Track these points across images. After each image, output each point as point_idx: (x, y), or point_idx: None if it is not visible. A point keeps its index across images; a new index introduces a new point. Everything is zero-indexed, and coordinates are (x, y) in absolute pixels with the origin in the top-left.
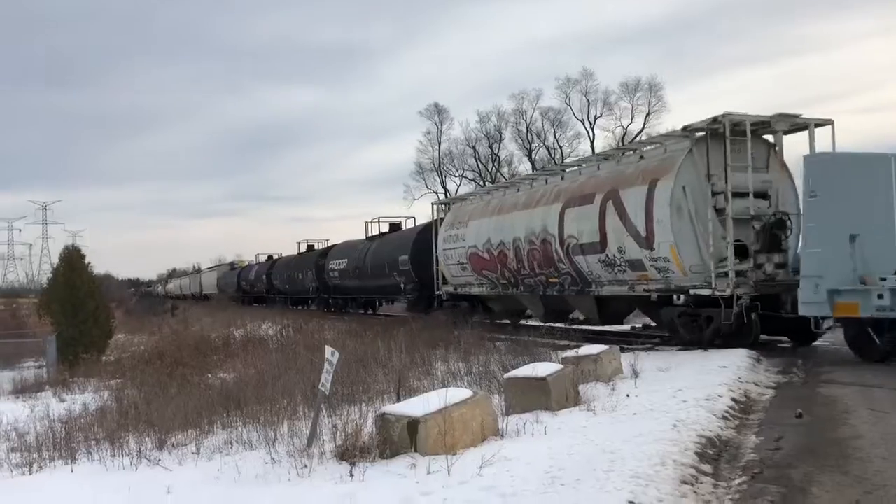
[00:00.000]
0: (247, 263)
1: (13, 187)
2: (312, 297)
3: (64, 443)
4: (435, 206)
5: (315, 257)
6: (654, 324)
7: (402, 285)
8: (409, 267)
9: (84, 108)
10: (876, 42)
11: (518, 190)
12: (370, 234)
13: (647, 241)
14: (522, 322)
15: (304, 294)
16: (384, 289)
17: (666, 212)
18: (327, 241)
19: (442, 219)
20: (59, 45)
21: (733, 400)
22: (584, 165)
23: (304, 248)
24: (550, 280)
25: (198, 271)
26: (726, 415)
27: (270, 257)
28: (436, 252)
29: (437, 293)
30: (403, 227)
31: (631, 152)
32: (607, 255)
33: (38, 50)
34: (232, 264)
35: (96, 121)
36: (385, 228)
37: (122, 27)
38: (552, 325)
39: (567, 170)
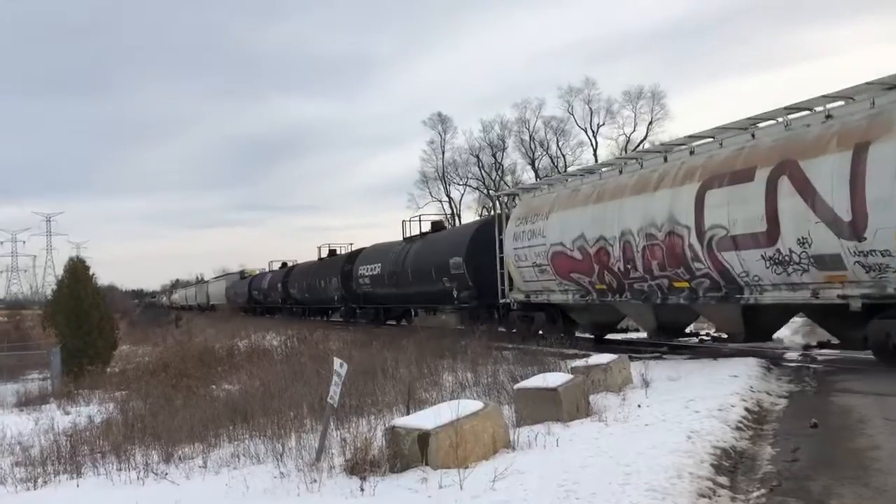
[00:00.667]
0: (258, 272)
1: (18, 198)
2: (337, 306)
3: (69, 457)
4: (499, 199)
5: (341, 263)
6: (833, 340)
7: (455, 292)
8: (463, 270)
9: (90, 118)
10: (885, 47)
11: (620, 172)
12: (408, 235)
13: (854, 229)
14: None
15: (327, 303)
16: (429, 296)
17: (889, 186)
18: (351, 245)
19: (507, 214)
20: (69, 54)
21: (746, 410)
22: (725, 136)
23: (324, 254)
24: (676, 284)
25: (204, 281)
26: (740, 425)
27: (285, 264)
28: (500, 252)
29: (501, 301)
30: (447, 227)
31: (807, 111)
32: (778, 250)
33: (45, 58)
34: (242, 273)
35: (103, 130)
36: (426, 228)
37: (133, 35)
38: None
39: (698, 142)
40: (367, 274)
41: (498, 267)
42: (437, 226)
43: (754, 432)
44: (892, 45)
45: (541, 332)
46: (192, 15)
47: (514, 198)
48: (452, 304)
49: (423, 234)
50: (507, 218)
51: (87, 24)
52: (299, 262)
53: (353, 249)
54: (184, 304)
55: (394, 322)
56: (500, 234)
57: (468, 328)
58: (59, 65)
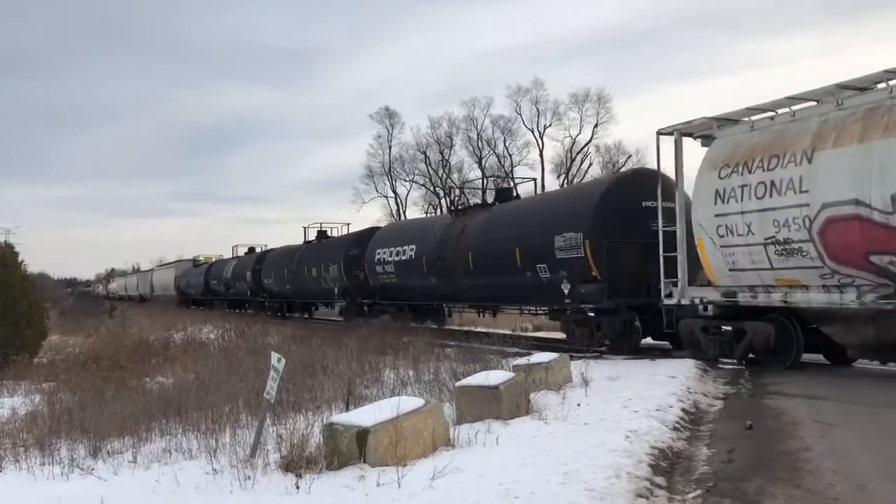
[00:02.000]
0: (214, 259)
1: None
2: (335, 301)
3: None
4: (676, 134)
5: (345, 246)
6: None
7: (566, 285)
8: (582, 252)
9: (24, 99)
10: (820, 60)
11: None
12: (459, 206)
13: None
14: (472, 329)
15: (321, 297)
16: (508, 291)
17: None
18: (349, 225)
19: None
20: (6, 31)
21: (683, 411)
22: None
23: (311, 236)
24: None
25: (147, 270)
26: (678, 426)
27: (252, 249)
28: (676, 224)
29: (667, 303)
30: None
31: None
32: None
33: None
34: (195, 260)
35: (37, 113)
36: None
37: (74, 15)
38: (503, 332)
39: None
40: (390, 260)
41: (680, 246)
42: (504, 194)
43: (691, 433)
44: (826, 58)
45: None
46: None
47: (705, 137)
48: (559, 302)
49: (488, 204)
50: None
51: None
52: (270, 247)
53: (363, 229)
54: (122, 294)
55: (434, 325)
56: (669, 197)
57: (587, 346)
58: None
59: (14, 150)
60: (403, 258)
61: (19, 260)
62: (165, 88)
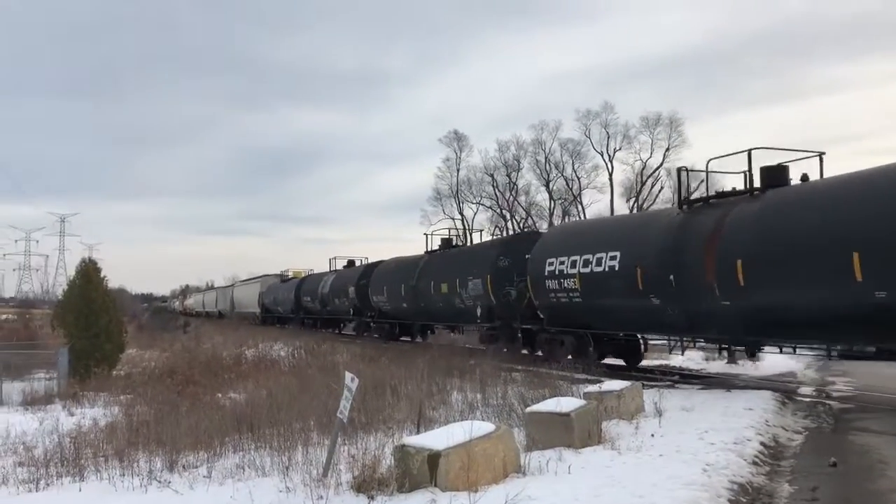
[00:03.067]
0: (304, 273)
1: (33, 198)
2: (481, 322)
3: (72, 459)
4: None
5: (494, 254)
6: None
7: None
8: None
9: (106, 122)
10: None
11: None
12: (702, 195)
13: None
14: (537, 353)
15: (455, 319)
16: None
17: None
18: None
19: None
20: (85, 58)
21: (762, 444)
22: None
23: (435, 244)
24: None
25: (217, 286)
26: (757, 460)
27: (352, 262)
28: None
29: None
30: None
31: None
32: None
33: (62, 62)
34: (282, 275)
35: (117, 135)
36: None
37: (150, 41)
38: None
39: None
40: (571, 272)
41: None
42: (775, 174)
43: (771, 468)
44: None
45: None
46: (209, 24)
47: None
48: None
49: (754, 190)
50: None
51: (102, 26)
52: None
53: (514, 234)
54: (199, 310)
55: (623, 362)
56: None
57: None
58: (77, 68)
59: (95, 170)
60: (598, 270)
61: (101, 275)
62: (236, 111)
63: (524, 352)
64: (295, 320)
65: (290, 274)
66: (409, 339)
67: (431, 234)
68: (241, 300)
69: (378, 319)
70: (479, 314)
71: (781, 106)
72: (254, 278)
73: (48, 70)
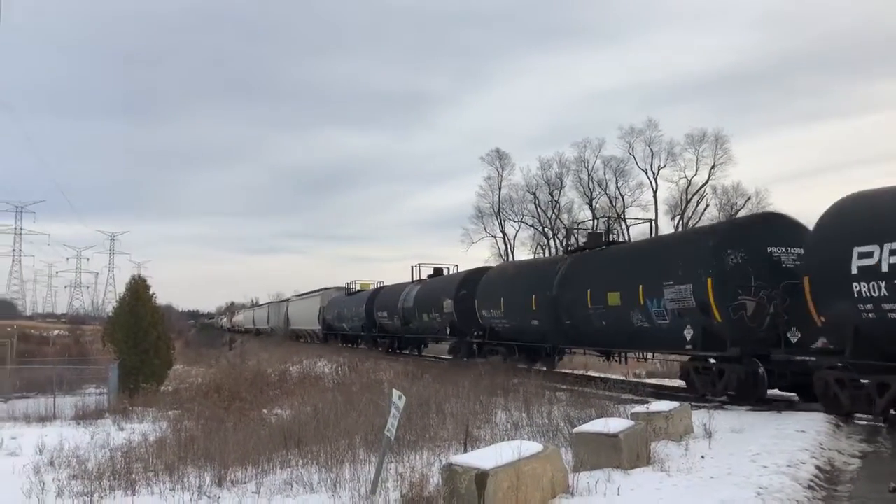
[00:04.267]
0: (373, 285)
1: (84, 217)
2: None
3: (124, 473)
4: None
5: (712, 247)
6: None
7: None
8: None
9: (155, 144)
10: None
11: None
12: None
13: None
14: (583, 373)
15: (646, 343)
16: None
17: None
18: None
19: None
20: (136, 84)
21: (817, 468)
22: None
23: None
24: None
25: (262, 302)
26: (812, 484)
27: (439, 271)
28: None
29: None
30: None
31: None
32: None
33: (114, 87)
34: (348, 288)
35: (165, 157)
36: None
37: (197, 67)
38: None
39: None
40: None
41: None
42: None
43: (828, 492)
44: None
45: None
46: (255, 50)
47: None
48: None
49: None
50: None
51: (152, 54)
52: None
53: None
54: (248, 327)
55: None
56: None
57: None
58: (129, 92)
59: (144, 191)
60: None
61: (150, 292)
62: (278, 133)
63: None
64: (366, 339)
65: (358, 286)
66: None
67: (576, 229)
68: (298, 316)
69: (491, 340)
70: (688, 337)
71: (828, 122)
72: (312, 292)
73: (101, 94)
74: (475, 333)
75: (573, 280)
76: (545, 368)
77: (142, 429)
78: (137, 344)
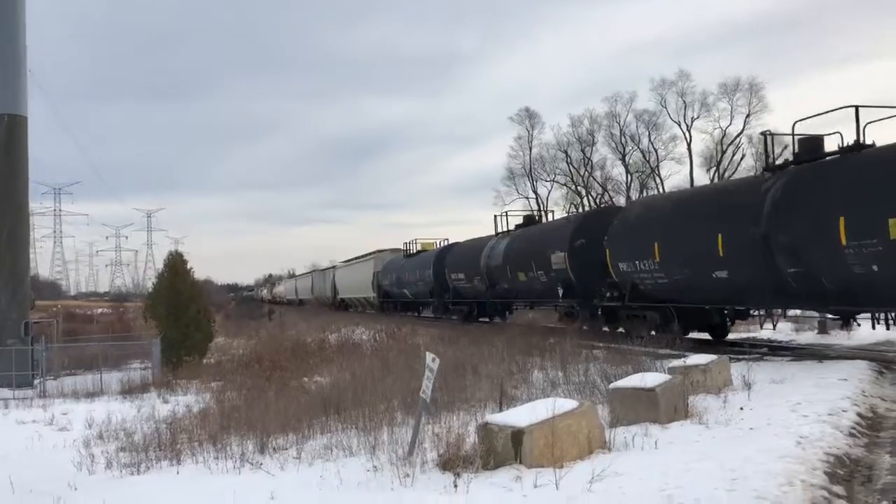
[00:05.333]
0: (436, 244)
1: (121, 196)
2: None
3: (169, 444)
4: None
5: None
6: None
7: None
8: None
9: (189, 120)
10: None
11: None
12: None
13: None
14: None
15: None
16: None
17: None
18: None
19: None
20: (170, 62)
21: (859, 415)
22: None
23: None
24: None
25: (326, 268)
26: (854, 431)
27: (531, 219)
28: None
29: None
30: None
31: None
32: None
33: (147, 65)
34: (405, 250)
35: (200, 132)
36: None
37: (230, 43)
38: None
39: None
40: None
41: None
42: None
43: (870, 439)
44: None
45: None
46: (284, 23)
47: None
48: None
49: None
50: None
51: (184, 33)
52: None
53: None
54: (291, 297)
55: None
56: None
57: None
58: (164, 72)
59: (181, 167)
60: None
61: (188, 267)
62: (309, 104)
63: (605, 329)
64: (435, 306)
65: (418, 246)
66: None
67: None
68: (347, 283)
69: (631, 301)
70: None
71: (870, 63)
72: (362, 256)
73: (136, 74)
74: (608, 294)
75: (800, 206)
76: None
77: (185, 401)
78: (178, 318)
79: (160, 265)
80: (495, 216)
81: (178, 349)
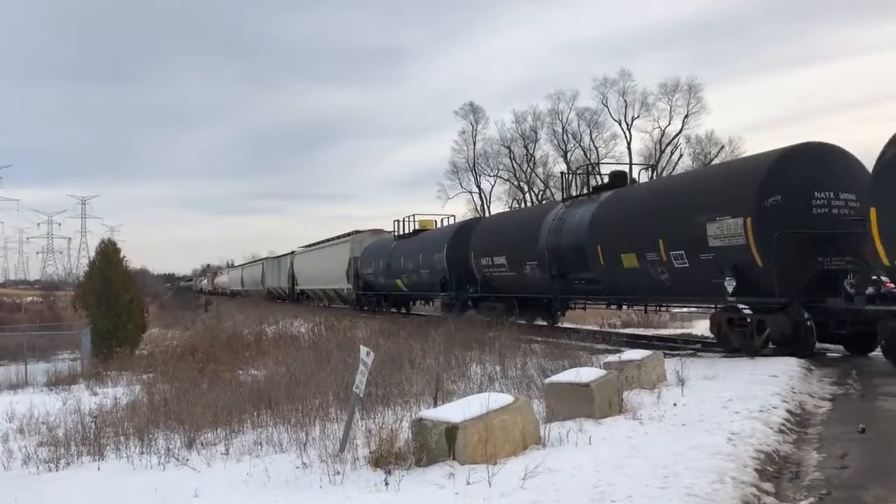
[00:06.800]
0: (437, 223)
1: (54, 182)
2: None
3: (93, 438)
4: None
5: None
6: None
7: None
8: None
9: (125, 105)
10: None
11: None
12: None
13: None
14: (559, 325)
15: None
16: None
17: None
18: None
19: None
20: (102, 43)
21: (789, 412)
22: None
23: None
24: None
25: (283, 254)
26: (783, 428)
27: (623, 176)
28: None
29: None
30: None
31: None
32: None
33: (81, 46)
34: (398, 230)
35: (136, 118)
36: None
37: (166, 25)
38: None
39: None
40: None
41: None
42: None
43: (798, 436)
44: None
45: None
46: (223, 7)
47: None
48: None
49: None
50: None
51: (111, 11)
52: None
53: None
54: (235, 288)
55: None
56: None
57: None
58: (88, 53)
59: (116, 153)
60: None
61: (121, 256)
62: (252, 91)
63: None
64: (455, 302)
65: (415, 224)
66: None
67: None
68: (312, 272)
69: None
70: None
71: (806, 68)
72: (334, 239)
73: (64, 55)
74: None
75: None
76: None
77: (115, 393)
78: (110, 308)
79: (94, 253)
80: (562, 174)
81: (109, 340)
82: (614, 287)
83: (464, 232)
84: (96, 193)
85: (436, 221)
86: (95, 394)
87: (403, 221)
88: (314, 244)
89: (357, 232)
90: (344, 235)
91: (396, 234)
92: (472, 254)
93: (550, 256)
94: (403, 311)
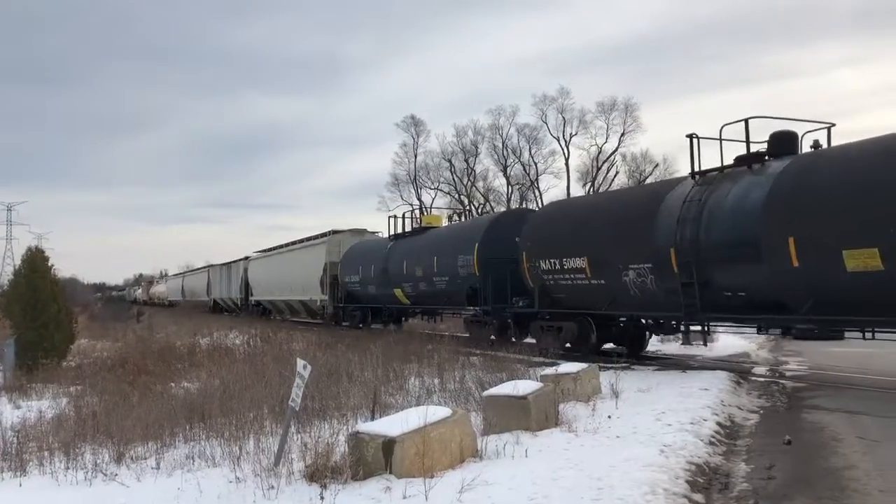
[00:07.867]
0: (448, 220)
1: None
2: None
3: (15, 453)
4: None
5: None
6: None
7: None
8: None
9: (55, 109)
10: (846, 72)
11: None
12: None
13: None
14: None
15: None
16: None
17: None
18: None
19: None
20: (35, 46)
21: (718, 424)
22: None
23: None
24: None
25: (237, 259)
26: (713, 440)
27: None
28: None
29: None
30: None
31: None
32: None
33: (13, 48)
34: (371, 232)
35: (69, 123)
36: None
37: (106, 28)
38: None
39: None
40: None
41: None
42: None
43: (727, 448)
44: (853, 68)
45: None
46: (164, 11)
47: None
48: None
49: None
50: None
51: (52, 14)
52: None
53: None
54: (174, 299)
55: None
56: None
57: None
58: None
59: (46, 158)
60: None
61: (49, 264)
62: (192, 98)
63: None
64: (486, 319)
65: (420, 222)
66: None
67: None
68: (271, 282)
69: None
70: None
71: (735, 91)
72: (305, 241)
73: None
74: None
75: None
76: None
77: (39, 406)
78: (36, 318)
79: (20, 261)
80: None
81: (34, 351)
82: (819, 301)
83: (501, 226)
84: (24, 199)
85: (444, 217)
86: (18, 407)
87: (403, 217)
88: (275, 248)
89: (335, 232)
90: (319, 236)
91: (396, 233)
92: (523, 255)
93: (681, 257)
94: (391, 325)
